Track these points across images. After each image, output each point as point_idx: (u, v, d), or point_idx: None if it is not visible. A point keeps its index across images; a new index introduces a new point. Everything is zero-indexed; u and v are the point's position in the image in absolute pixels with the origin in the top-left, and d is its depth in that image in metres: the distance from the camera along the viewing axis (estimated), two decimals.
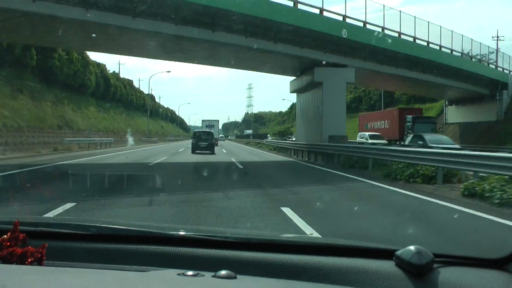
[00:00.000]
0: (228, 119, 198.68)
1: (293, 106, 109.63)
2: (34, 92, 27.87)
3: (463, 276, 1.21)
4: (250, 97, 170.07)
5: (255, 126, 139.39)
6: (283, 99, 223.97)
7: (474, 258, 1.31)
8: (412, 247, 1.22)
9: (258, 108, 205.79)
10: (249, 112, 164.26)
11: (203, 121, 54.51)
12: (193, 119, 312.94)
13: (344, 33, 19.08)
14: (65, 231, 1.46)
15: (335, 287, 1.19)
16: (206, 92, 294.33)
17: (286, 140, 32.24)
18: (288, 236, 1.90)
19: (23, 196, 7.43)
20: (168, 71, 59.79)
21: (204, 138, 24.93)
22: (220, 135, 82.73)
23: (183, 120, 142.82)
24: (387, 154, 13.23)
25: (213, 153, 24.46)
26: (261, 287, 1.12)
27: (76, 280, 1.02)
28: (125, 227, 1.54)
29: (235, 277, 1.10)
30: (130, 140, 47.25)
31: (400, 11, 22.75)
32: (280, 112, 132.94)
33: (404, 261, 1.20)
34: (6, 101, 23.02)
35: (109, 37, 16.37)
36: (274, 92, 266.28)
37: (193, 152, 24.34)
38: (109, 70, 54.52)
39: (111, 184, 9.21)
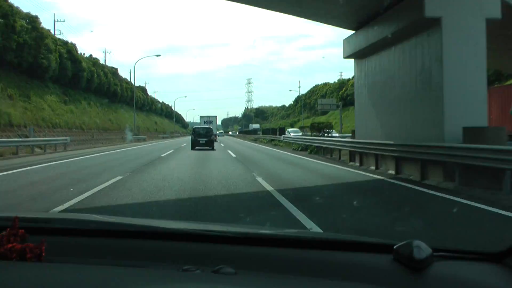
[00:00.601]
0: (227, 114, 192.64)
1: (298, 99, 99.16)
2: None
3: (463, 270, 1.20)
4: (249, 92, 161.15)
5: (256, 120, 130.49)
6: (290, 90, 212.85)
7: (474, 252, 1.31)
8: (411, 241, 1.19)
9: (257, 103, 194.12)
10: (249, 107, 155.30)
11: (201, 117, 53.17)
12: (191, 115, 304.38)
13: None
14: (65, 227, 1.43)
15: (335, 282, 1.17)
16: (204, 89, 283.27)
17: (326, 136, 21.66)
18: (288, 231, 1.76)
19: None
20: (157, 55, 49.97)
21: (203, 134, 24.72)
22: (220, 131, 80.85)
23: (181, 116, 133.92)
24: None
25: (212, 149, 23.78)
26: (261, 283, 1.11)
27: (75, 276, 1.02)
28: (125, 222, 1.52)
29: (235, 273, 1.09)
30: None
31: None
32: (283, 106, 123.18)
33: (403, 255, 1.18)
34: None
35: None
36: (273, 87, 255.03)
37: (192, 148, 23.67)
38: (83, 54, 43.81)
39: None
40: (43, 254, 1.12)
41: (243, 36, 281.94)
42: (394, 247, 1.22)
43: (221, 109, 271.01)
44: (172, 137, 69.50)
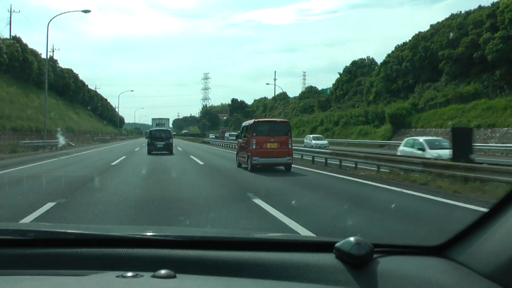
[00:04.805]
0: (178, 115, 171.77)
1: (339, 83, 61.31)
2: None
3: (402, 264, 1.21)
4: (206, 89, 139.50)
5: (236, 117, 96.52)
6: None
7: (413, 246, 1.33)
8: (351, 238, 1.20)
9: (213, 103, 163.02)
10: (207, 105, 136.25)
11: (153, 119, 53.08)
12: (128, 109, 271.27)
13: None
14: (2, 237, 1.36)
15: (275, 282, 1.16)
16: (152, 88, 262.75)
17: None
18: (228, 232, 1.76)
19: None
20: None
21: (162, 137, 23.76)
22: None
23: (110, 106, 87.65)
24: None
25: (171, 153, 23.03)
26: (200, 286, 1.09)
27: None
28: (63, 231, 1.47)
29: (175, 276, 1.08)
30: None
31: None
32: (282, 94, 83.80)
33: (344, 252, 1.19)
34: None
35: None
36: (225, 90, 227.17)
37: (149, 153, 22.96)
38: None
39: None
40: None
41: (194, 37, 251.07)
42: (335, 245, 1.23)
43: (172, 107, 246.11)
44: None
